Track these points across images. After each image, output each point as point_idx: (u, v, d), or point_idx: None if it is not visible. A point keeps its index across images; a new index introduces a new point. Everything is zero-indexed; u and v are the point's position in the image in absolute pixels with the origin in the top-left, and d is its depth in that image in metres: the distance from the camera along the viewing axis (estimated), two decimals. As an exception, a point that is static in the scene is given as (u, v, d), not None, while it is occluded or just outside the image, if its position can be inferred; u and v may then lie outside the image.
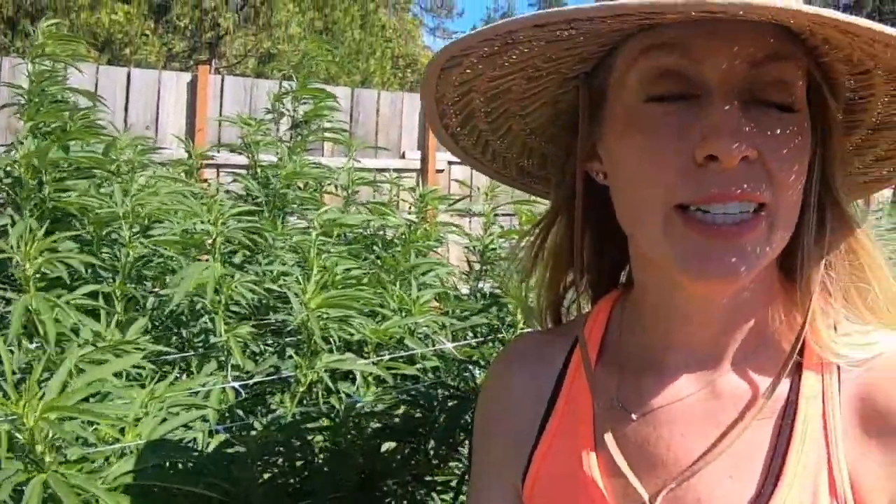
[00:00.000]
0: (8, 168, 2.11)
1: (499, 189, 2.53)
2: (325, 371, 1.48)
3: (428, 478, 1.52)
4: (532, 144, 1.03)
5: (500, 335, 1.68)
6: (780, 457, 0.82)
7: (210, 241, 1.68)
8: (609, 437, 0.89)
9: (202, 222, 1.74)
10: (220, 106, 7.91)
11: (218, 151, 3.57)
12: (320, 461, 1.43)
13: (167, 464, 1.12)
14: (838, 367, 0.84)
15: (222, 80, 8.35)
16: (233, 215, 1.77)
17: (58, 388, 1.03)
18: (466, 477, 1.47)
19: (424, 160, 9.27)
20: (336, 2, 17.43)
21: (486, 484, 1.04)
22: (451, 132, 0.97)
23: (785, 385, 0.84)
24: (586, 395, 0.94)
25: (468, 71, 0.84)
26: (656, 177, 0.79)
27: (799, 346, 0.84)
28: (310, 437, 1.44)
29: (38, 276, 1.49)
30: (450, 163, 9.75)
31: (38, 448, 1.02)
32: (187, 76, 7.89)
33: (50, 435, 1.01)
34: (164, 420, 1.19)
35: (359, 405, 1.45)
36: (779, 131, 0.78)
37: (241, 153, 2.86)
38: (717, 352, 0.89)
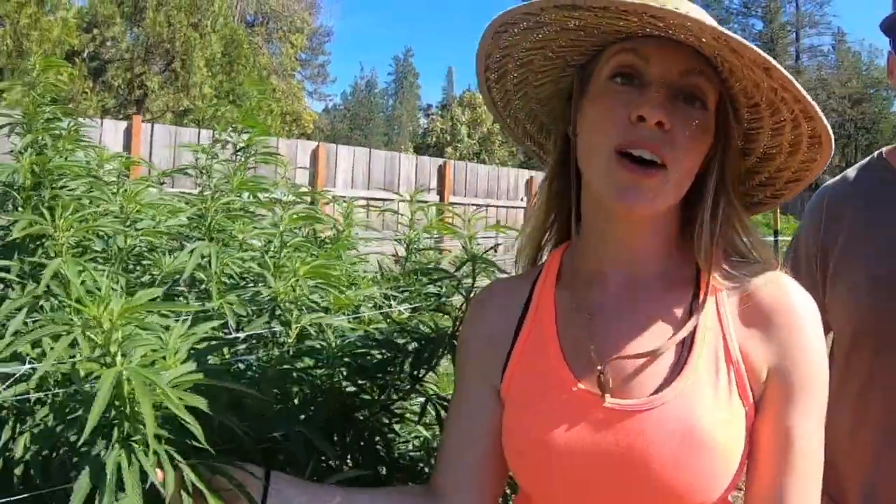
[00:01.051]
0: (11, 176, 1.98)
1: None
2: (310, 325, 1.45)
3: (395, 408, 1.52)
4: (536, 111, 1.15)
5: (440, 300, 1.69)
6: (690, 339, 0.97)
7: (206, 226, 1.63)
8: (569, 331, 1.03)
9: (199, 215, 1.69)
10: (150, 148, 7.77)
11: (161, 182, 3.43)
12: (309, 395, 1.40)
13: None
14: (726, 287, 1.01)
15: (152, 128, 8.15)
16: (223, 204, 1.72)
17: (120, 301, 0.98)
18: (428, 406, 1.47)
19: (314, 194, 9.31)
20: (240, 68, 17.25)
21: (468, 387, 1.12)
22: (488, 84, 1.07)
23: (692, 294, 1.01)
24: (550, 306, 1.06)
25: (510, 38, 0.97)
26: (604, 127, 0.94)
27: (706, 277, 1.00)
28: (297, 376, 1.41)
29: (69, 245, 1.41)
30: (333, 197, 9.73)
31: (112, 349, 0.97)
32: (124, 124, 7.68)
33: (120, 337, 0.96)
34: (196, 349, 1.17)
35: (349, 340, 1.44)
36: (688, 119, 0.93)
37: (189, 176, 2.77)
38: (642, 271, 1.03)
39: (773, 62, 0.83)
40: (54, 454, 1.35)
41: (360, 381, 1.44)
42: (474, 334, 1.13)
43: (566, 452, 0.95)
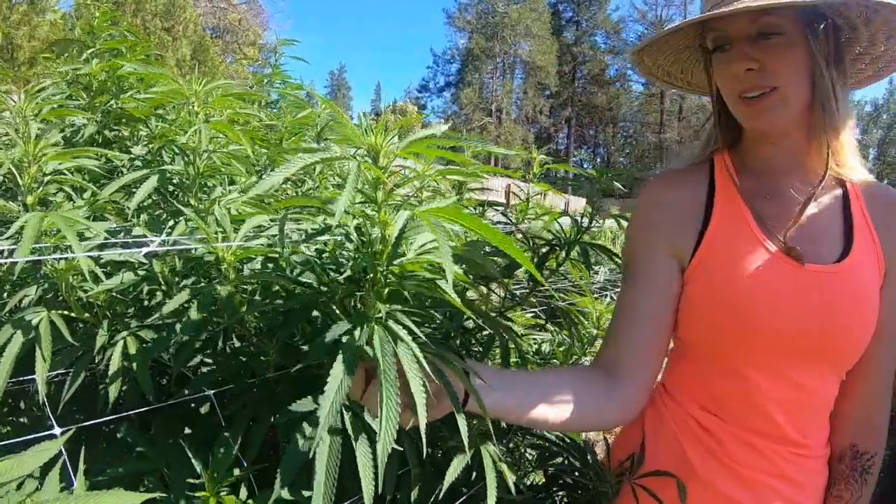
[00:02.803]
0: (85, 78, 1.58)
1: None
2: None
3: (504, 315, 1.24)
4: (687, 68, 1.16)
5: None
6: (850, 227, 1.01)
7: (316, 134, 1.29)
8: (756, 209, 1.02)
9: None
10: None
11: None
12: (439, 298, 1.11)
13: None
14: (864, 191, 1.04)
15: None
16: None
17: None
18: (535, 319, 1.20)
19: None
20: (206, 70, 16.33)
21: (648, 262, 1.05)
22: (644, 64, 1.11)
23: (840, 189, 1.04)
24: (735, 191, 1.04)
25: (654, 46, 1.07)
26: (725, 83, 1.01)
27: (832, 167, 1.02)
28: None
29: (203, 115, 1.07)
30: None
31: (379, 197, 0.73)
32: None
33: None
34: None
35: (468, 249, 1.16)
36: (770, 47, 0.95)
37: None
38: (797, 168, 1.03)
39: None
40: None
41: (481, 286, 1.16)
42: (660, 215, 1.07)
43: (773, 308, 0.95)
